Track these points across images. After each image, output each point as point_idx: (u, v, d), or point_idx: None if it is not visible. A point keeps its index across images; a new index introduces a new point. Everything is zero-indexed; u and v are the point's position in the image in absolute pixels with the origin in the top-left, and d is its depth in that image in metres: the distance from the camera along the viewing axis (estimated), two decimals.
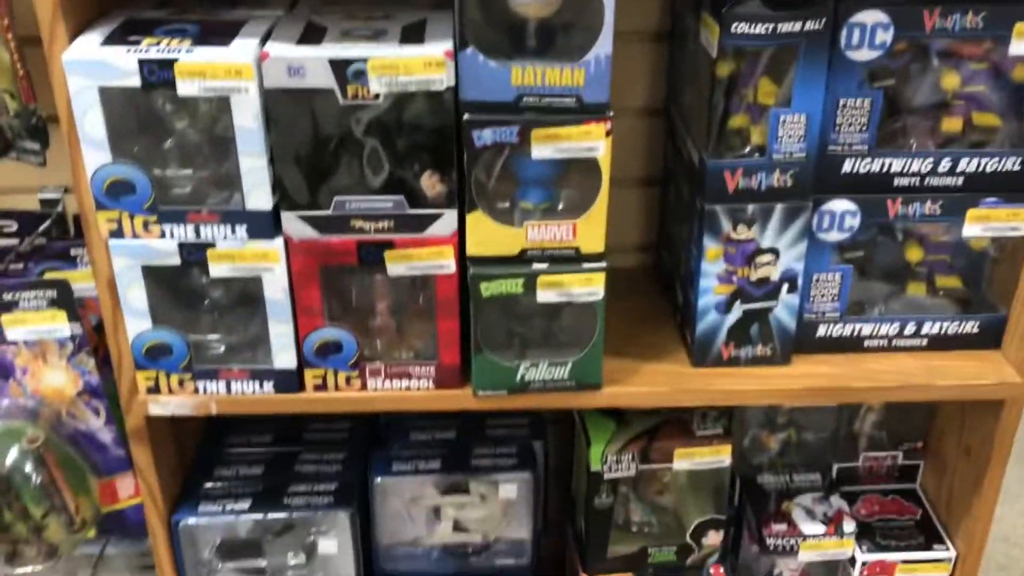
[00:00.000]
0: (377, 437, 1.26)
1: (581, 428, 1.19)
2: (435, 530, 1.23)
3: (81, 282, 1.07)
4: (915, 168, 1.01)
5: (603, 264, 0.96)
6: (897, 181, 1.02)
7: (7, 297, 1.03)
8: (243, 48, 0.87)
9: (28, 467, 1.07)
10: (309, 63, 0.86)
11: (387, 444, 1.24)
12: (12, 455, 1.07)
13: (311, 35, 0.91)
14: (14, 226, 1.20)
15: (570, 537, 1.31)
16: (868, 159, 1.00)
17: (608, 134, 0.90)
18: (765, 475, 1.29)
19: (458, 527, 1.23)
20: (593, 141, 0.90)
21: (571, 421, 1.30)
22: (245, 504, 1.15)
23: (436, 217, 0.94)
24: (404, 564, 1.24)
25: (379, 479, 1.19)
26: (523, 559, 1.25)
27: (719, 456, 1.16)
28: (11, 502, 1.09)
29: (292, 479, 1.19)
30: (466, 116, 0.89)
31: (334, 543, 1.17)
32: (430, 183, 0.94)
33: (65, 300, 1.03)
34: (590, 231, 0.95)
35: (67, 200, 1.20)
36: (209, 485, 1.18)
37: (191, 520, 1.14)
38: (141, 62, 0.85)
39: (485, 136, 0.90)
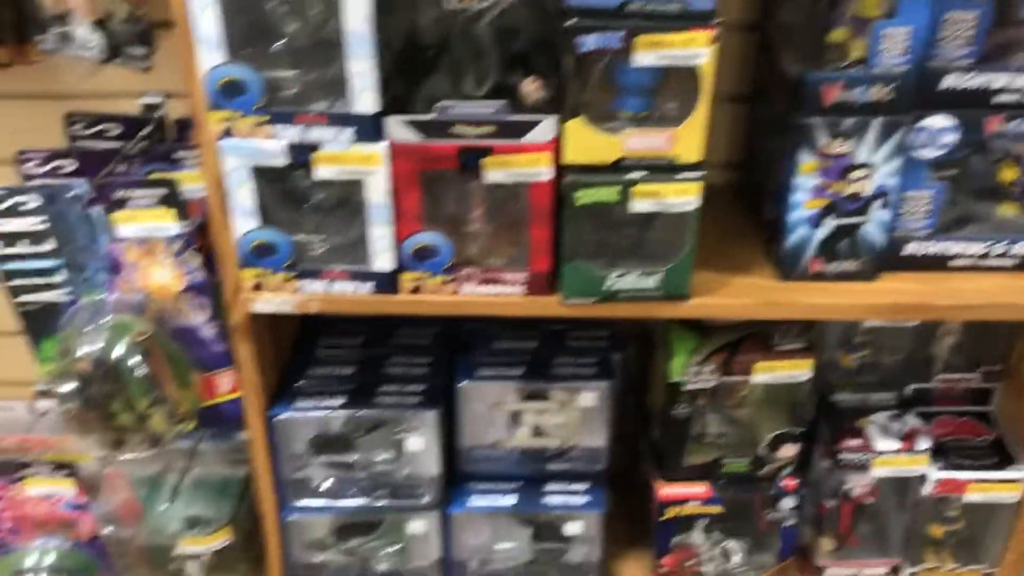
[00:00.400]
0: (461, 344, 1.30)
1: (662, 340, 1.21)
2: (515, 434, 1.27)
3: (185, 183, 1.11)
4: (1018, 84, 1.00)
5: (700, 174, 0.97)
6: (997, 98, 1.01)
7: (119, 195, 1.07)
8: None
9: (136, 360, 1.13)
10: None
11: (471, 351, 1.28)
12: (121, 348, 1.12)
13: None
14: (117, 130, 1.24)
15: (645, 447, 1.34)
16: (970, 74, 0.99)
17: (713, 42, 0.90)
18: (840, 393, 1.31)
19: (537, 432, 1.27)
20: (697, 48, 0.91)
21: (648, 337, 1.33)
22: (338, 401, 1.21)
23: (535, 124, 0.96)
24: (484, 465, 1.29)
25: (464, 383, 1.23)
26: (598, 465, 1.29)
27: (799, 370, 1.18)
28: (118, 393, 1.15)
29: (382, 379, 1.24)
30: (570, 21, 0.90)
31: (421, 441, 1.22)
32: (531, 89, 0.95)
33: (174, 199, 1.07)
34: (688, 140, 0.96)
35: (166, 105, 1.24)
36: (303, 383, 1.23)
37: (287, 414, 1.19)
38: None
39: (589, 42, 0.91)
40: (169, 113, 1.24)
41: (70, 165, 1.15)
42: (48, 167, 1.16)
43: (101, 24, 1.04)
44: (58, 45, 1.06)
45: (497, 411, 1.26)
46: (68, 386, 1.13)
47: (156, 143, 1.22)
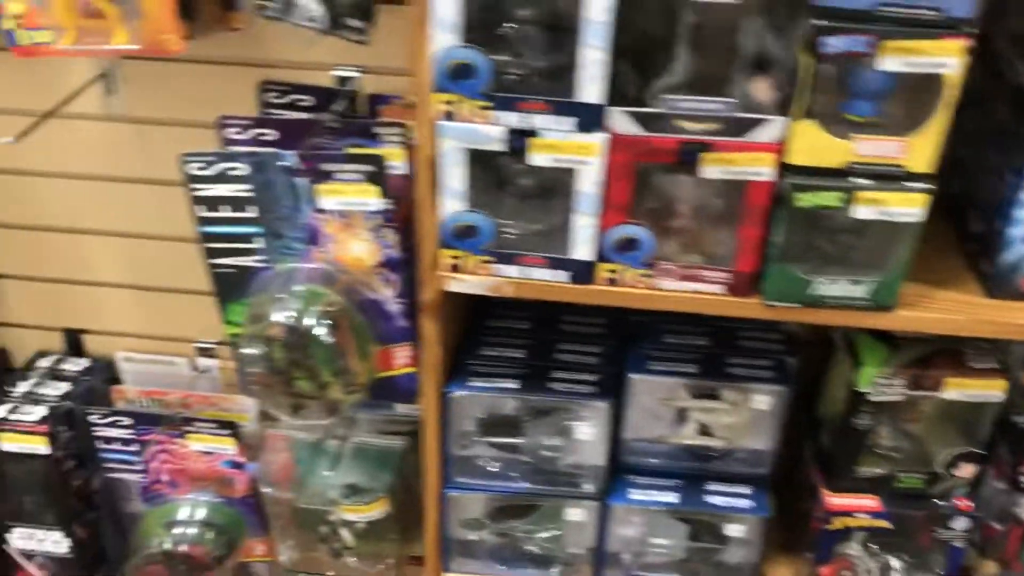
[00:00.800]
0: (630, 335, 1.29)
1: (846, 349, 1.19)
2: (680, 431, 1.26)
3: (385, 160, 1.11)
4: None
5: (930, 185, 0.94)
6: None
7: (325, 168, 1.09)
8: None
9: (324, 330, 1.14)
10: None
11: (641, 343, 1.27)
12: (312, 317, 1.14)
13: None
14: (310, 101, 1.25)
15: (809, 452, 1.32)
16: None
17: (966, 52, 0.87)
18: (1022, 415, 1.26)
19: (703, 431, 1.26)
20: (946, 57, 0.87)
21: (821, 341, 1.30)
22: (512, 384, 1.21)
23: (761, 122, 0.94)
24: (644, 458, 1.28)
25: (635, 376, 1.22)
26: (761, 468, 1.27)
27: (991, 390, 1.14)
28: (304, 360, 1.17)
29: (554, 366, 1.24)
30: (818, 21, 0.88)
31: (590, 431, 1.22)
32: (762, 87, 0.93)
33: (379, 175, 1.08)
34: (921, 150, 0.93)
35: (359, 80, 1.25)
36: (476, 362, 1.24)
37: (462, 392, 1.20)
38: None
39: (835, 43, 0.88)
40: (362, 87, 1.25)
41: (270, 133, 1.17)
42: (248, 134, 1.17)
43: None
44: (280, 13, 1.07)
45: (665, 406, 1.25)
46: (257, 350, 1.16)
47: (348, 116, 1.23)
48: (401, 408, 1.41)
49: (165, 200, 1.41)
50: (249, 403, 1.45)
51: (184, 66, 1.31)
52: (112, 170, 1.40)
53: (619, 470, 1.29)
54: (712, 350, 1.26)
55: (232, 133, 1.17)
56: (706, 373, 1.23)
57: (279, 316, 1.14)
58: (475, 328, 1.31)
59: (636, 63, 0.93)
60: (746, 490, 1.27)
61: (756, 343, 1.28)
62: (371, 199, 1.09)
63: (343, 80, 1.24)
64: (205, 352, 1.51)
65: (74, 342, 1.55)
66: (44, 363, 1.52)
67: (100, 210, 1.45)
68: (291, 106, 1.25)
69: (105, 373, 1.53)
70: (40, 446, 1.40)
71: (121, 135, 1.36)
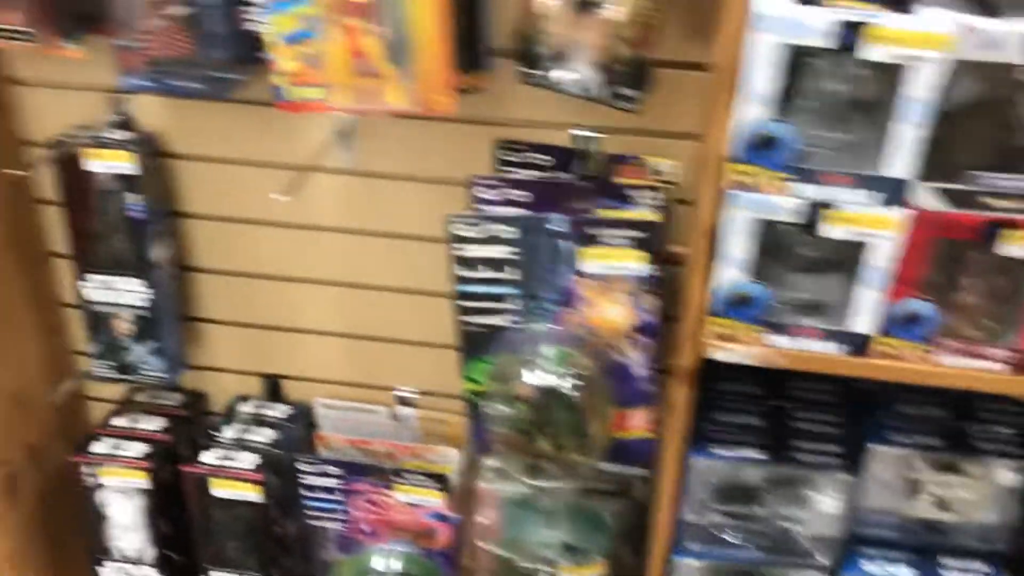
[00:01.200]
0: (861, 403, 1.26)
1: None
2: (915, 503, 1.23)
3: None
4: None
5: None
6: None
7: (592, 232, 1.09)
8: (938, 17, 0.87)
9: (571, 393, 1.14)
10: (1007, 37, 0.85)
11: (877, 413, 1.24)
12: (560, 379, 1.14)
13: (981, 6, 0.89)
14: (546, 160, 1.26)
15: None
16: None
17: None
18: None
19: (940, 504, 1.23)
20: None
21: None
22: (755, 453, 1.19)
23: None
24: (874, 530, 1.25)
25: (875, 446, 1.20)
26: (999, 544, 1.24)
27: None
28: (549, 421, 1.16)
29: (793, 434, 1.22)
30: None
31: (831, 503, 1.20)
32: None
33: (648, 241, 1.08)
34: None
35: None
36: (713, 428, 1.23)
37: (705, 459, 1.19)
38: (834, 23, 0.87)
39: None
40: (601, 147, 1.25)
41: (520, 194, 1.18)
42: (497, 194, 1.18)
43: (601, 64, 1.05)
44: (547, 82, 1.08)
45: (900, 478, 1.22)
46: (505, 409, 1.15)
47: (590, 177, 1.23)
48: (608, 467, 1.39)
49: (379, 251, 1.42)
50: (453, 454, 1.45)
51: (416, 122, 1.32)
52: (333, 221, 1.42)
53: (850, 541, 1.26)
54: (951, 421, 1.23)
55: (482, 192, 1.18)
56: (948, 446, 1.20)
57: (530, 377, 1.14)
58: (705, 392, 1.29)
59: (947, 139, 0.92)
60: (983, 566, 1.23)
61: (995, 415, 1.24)
62: (637, 264, 1.09)
63: (578, 140, 1.24)
64: (404, 401, 1.52)
65: (273, 388, 1.57)
66: (246, 408, 1.53)
67: (313, 258, 1.46)
68: (527, 165, 1.26)
69: (305, 419, 1.54)
70: (253, 494, 1.41)
71: (348, 187, 1.38)
